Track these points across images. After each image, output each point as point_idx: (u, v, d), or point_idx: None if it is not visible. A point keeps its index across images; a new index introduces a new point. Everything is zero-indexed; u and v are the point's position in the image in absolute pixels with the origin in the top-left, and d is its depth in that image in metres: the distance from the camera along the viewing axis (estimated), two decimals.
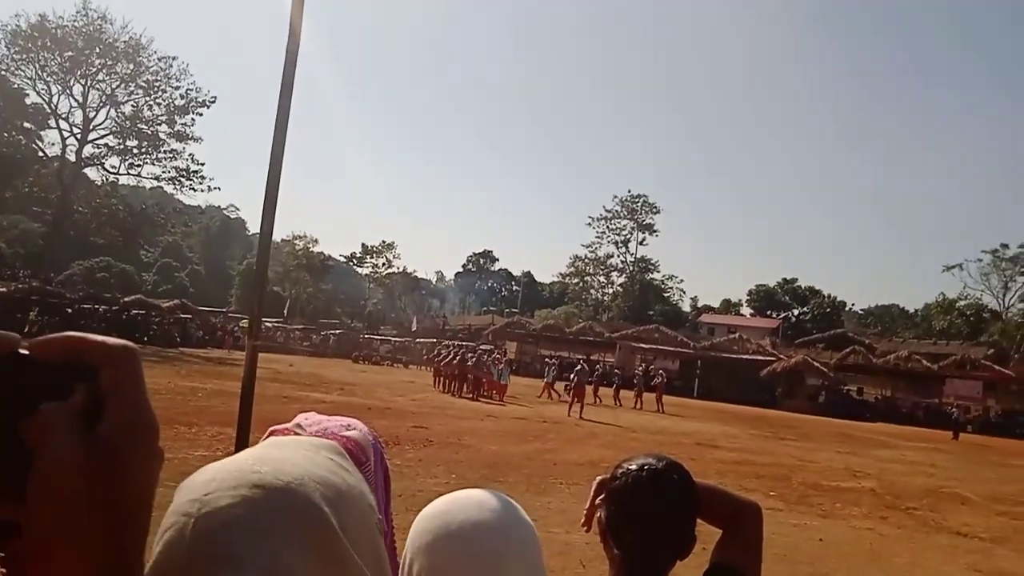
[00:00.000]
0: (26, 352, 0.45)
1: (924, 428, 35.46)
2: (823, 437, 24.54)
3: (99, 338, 0.48)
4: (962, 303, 69.89)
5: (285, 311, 65.66)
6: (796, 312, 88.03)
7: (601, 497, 1.63)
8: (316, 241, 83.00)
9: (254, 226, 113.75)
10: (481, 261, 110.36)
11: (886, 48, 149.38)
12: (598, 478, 1.69)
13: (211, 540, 0.54)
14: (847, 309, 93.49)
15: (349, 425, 0.89)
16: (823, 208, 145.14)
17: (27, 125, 55.72)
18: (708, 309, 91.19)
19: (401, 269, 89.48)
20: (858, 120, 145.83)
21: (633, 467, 1.59)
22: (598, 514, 1.62)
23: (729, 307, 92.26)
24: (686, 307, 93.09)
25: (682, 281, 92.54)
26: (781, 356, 46.94)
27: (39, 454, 0.43)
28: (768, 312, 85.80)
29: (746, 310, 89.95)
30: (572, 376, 24.97)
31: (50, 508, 0.43)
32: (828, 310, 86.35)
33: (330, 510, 0.60)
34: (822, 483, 13.69)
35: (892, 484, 14.58)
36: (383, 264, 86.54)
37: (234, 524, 0.55)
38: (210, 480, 0.60)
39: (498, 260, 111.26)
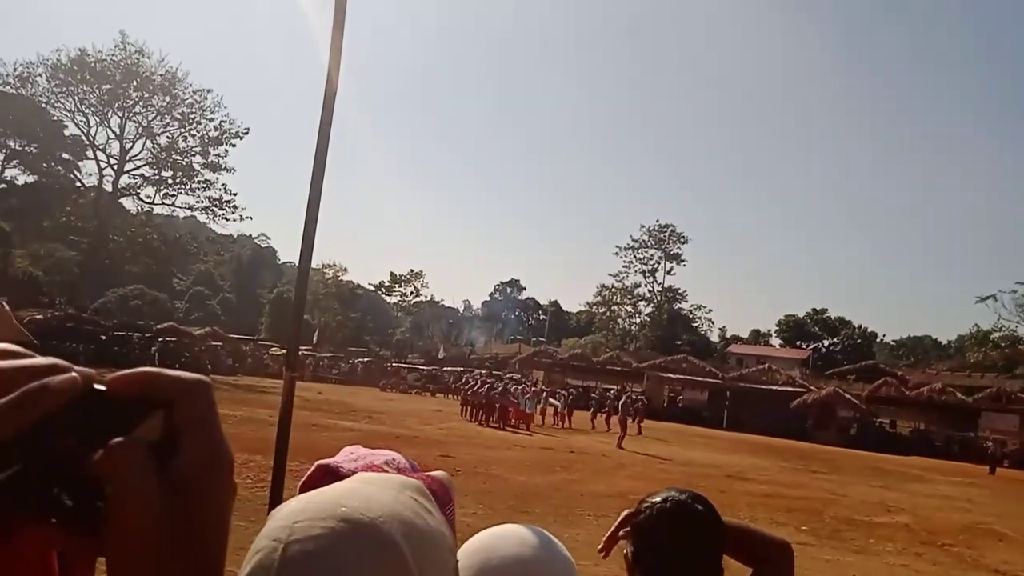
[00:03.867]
0: (102, 388, 0.46)
1: (959, 462, 34.69)
2: (855, 470, 24.13)
3: (174, 372, 0.48)
4: (996, 335, 68.53)
5: (314, 339, 66.02)
6: (826, 343, 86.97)
7: (626, 530, 1.64)
8: (345, 270, 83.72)
9: (284, 255, 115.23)
10: (508, 290, 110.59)
11: (921, 75, 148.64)
12: (625, 512, 1.72)
13: (297, 565, 0.58)
14: (878, 340, 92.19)
15: (393, 458, 0.93)
16: (854, 238, 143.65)
17: (66, 156, 57.24)
18: (737, 339, 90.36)
19: (429, 298, 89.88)
20: (890, 148, 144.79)
21: (657, 500, 1.61)
22: (625, 550, 1.62)
23: (758, 337, 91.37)
24: (714, 337, 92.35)
25: (710, 311, 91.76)
26: (811, 387, 46.28)
27: (115, 489, 0.44)
28: (798, 343, 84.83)
29: (775, 340, 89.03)
30: (619, 408, 25.05)
31: (129, 543, 0.44)
32: (859, 341, 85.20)
33: (408, 549, 0.63)
34: (855, 518, 13.46)
35: (927, 519, 14.29)
36: (411, 293, 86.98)
37: (319, 552, 0.59)
38: (301, 509, 0.63)
39: (525, 289, 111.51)
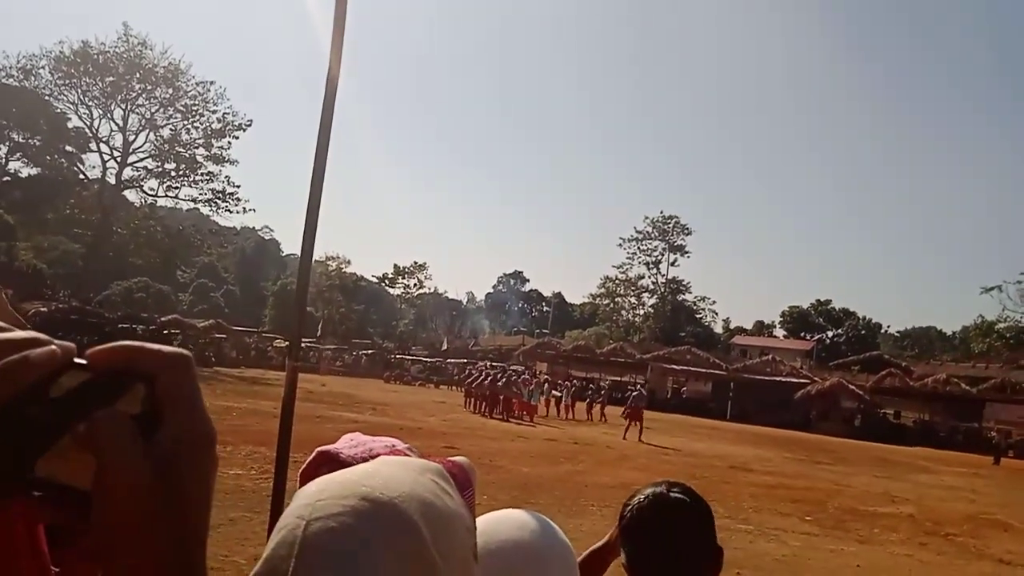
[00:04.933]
0: (83, 361, 0.47)
1: (964, 453, 34.71)
2: (859, 461, 24.16)
3: (154, 346, 0.49)
4: (1001, 325, 68.44)
5: (318, 331, 66.21)
6: (830, 334, 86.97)
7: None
8: (349, 262, 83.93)
9: (287, 247, 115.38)
10: (512, 282, 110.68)
11: (924, 65, 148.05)
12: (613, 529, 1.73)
13: (319, 541, 0.60)
14: (883, 331, 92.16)
15: (393, 445, 0.93)
16: (858, 229, 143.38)
17: (69, 148, 57.22)
18: (741, 331, 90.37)
19: (432, 290, 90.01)
20: (894, 139, 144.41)
21: (636, 500, 1.60)
22: (622, 558, 1.61)
23: (762, 329, 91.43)
24: (718, 329, 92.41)
25: (714, 302, 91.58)
26: (815, 378, 46.31)
27: (100, 461, 0.44)
28: (802, 334, 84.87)
29: (779, 332, 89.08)
30: (629, 400, 25.08)
31: (115, 514, 0.45)
32: (863, 332, 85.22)
33: (427, 528, 0.64)
34: (859, 508, 13.47)
35: (931, 510, 14.30)
36: (415, 285, 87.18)
37: (339, 530, 0.61)
38: (323, 489, 0.65)
39: (528, 281, 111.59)
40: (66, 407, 0.45)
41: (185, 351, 0.50)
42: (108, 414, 0.45)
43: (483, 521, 1.16)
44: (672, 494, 1.58)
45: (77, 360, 0.47)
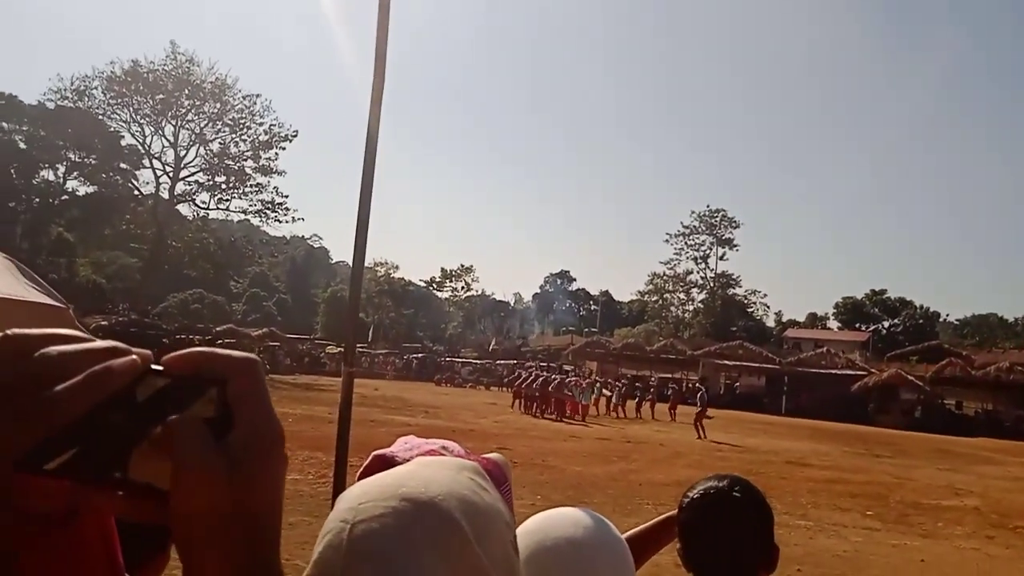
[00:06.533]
0: (160, 368, 0.49)
1: None
2: (921, 453, 23.59)
3: (225, 351, 0.51)
4: None
5: (369, 336, 66.92)
6: (886, 325, 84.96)
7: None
8: (397, 267, 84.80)
9: (337, 254, 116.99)
10: (558, 281, 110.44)
11: (971, 50, 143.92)
12: (663, 515, 1.74)
13: (363, 543, 0.63)
14: (941, 320, 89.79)
15: (444, 446, 0.96)
16: (911, 215, 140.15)
17: (123, 166, 58.88)
18: (793, 324, 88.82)
19: (480, 292, 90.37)
20: (946, 121, 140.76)
21: (694, 494, 1.60)
22: (678, 547, 1.63)
23: (815, 321, 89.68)
24: (770, 322, 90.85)
25: (765, 296, 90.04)
26: (872, 370, 45.30)
27: (176, 464, 0.46)
28: (856, 325, 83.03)
29: (833, 324, 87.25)
30: (697, 401, 25.24)
31: (190, 514, 0.47)
32: (921, 321, 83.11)
33: (467, 524, 0.67)
34: (922, 502, 13.17)
35: (998, 502, 13.89)
36: (462, 287, 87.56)
37: (384, 530, 0.63)
38: (365, 492, 0.68)
39: (575, 280, 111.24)
40: (147, 412, 0.47)
41: (253, 355, 0.52)
42: (182, 418, 0.47)
43: (539, 519, 1.19)
44: (731, 490, 1.58)
45: (154, 367, 0.49)
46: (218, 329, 47.10)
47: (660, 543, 1.80)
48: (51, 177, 65.36)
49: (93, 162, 59.57)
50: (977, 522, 11.65)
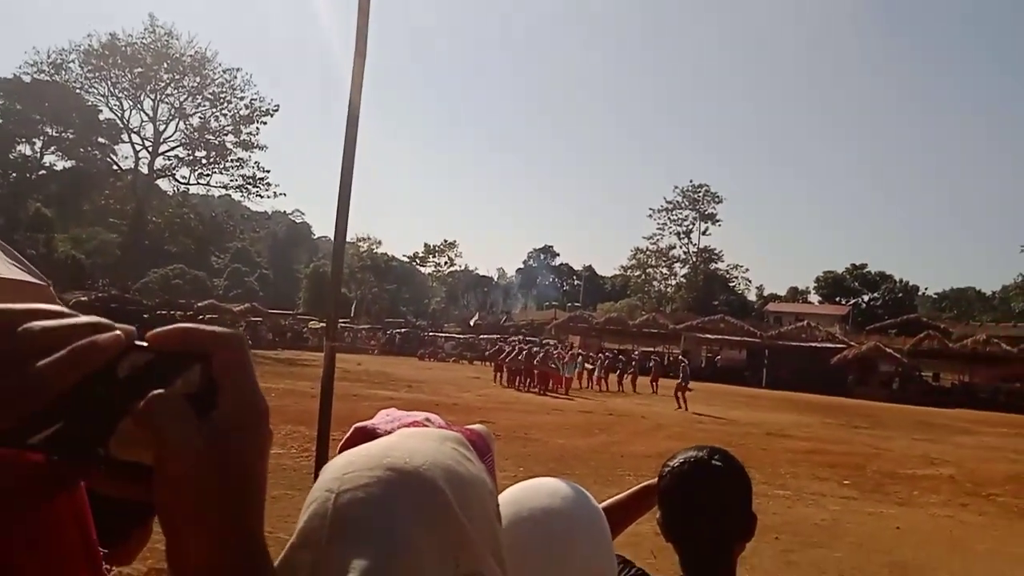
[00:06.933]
0: (143, 344, 0.49)
1: (1006, 413, 34.13)
2: (898, 425, 23.91)
3: (209, 327, 0.51)
4: None
5: (352, 311, 66.78)
6: (866, 298, 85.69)
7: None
8: (380, 242, 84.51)
9: (319, 230, 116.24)
10: (542, 256, 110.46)
11: (954, 28, 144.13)
12: (642, 483, 1.77)
13: (348, 512, 0.63)
14: (920, 294, 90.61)
15: (428, 418, 0.98)
16: (892, 190, 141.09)
17: (101, 140, 58.02)
18: (775, 298, 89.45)
19: (463, 267, 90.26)
20: (926, 99, 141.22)
21: (674, 463, 1.63)
22: (656, 515, 1.66)
23: (796, 295, 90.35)
24: (752, 296, 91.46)
25: (747, 270, 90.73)
26: (852, 343, 45.76)
27: (156, 439, 0.46)
28: (837, 299, 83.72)
29: (814, 298, 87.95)
30: (680, 375, 25.39)
31: (172, 489, 0.47)
32: (900, 295, 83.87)
33: (452, 493, 0.67)
34: (898, 471, 13.39)
35: (973, 471, 14.15)
36: (445, 263, 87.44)
37: (368, 499, 0.64)
38: (350, 462, 0.68)
39: (559, 255, 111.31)
40: (130, 387, 0.47)
41: (237, 331, 0.52)
42: (162, 394, 0.47)
43: (516, 489, 1.21)
44: (711, 459, 1.60)
45: (138, 343, 0.49)
46: (199, 305, 46.77)
47: (638, 512, 1.84)
48: (28, 152, 64.31)
49: (71, 136, 58.67)
50: (952, 490, 11.87)
